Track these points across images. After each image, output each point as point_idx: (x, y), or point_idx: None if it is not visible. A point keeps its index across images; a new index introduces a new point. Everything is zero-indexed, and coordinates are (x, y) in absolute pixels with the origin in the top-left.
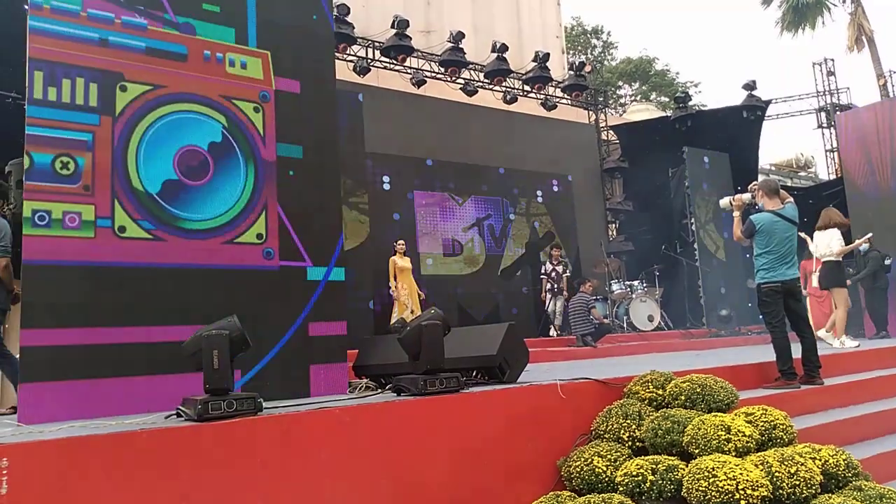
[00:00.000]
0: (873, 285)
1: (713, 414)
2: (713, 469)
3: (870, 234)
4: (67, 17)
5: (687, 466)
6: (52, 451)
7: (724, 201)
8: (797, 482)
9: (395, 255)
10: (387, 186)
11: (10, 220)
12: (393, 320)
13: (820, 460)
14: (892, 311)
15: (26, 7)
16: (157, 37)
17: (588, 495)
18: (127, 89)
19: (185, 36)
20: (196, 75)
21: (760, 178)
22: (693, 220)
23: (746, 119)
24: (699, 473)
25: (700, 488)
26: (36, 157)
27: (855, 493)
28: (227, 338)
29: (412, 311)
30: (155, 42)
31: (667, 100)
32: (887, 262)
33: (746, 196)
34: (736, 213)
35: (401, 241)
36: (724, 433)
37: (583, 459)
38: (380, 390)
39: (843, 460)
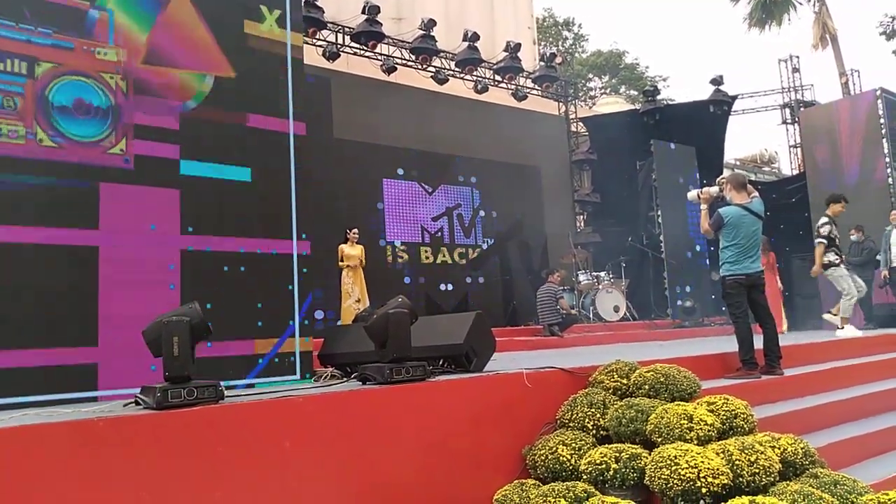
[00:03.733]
0: (861, 275)
1: (676, 403)
2: (675, 457)
3: None
4: (8, 27)
5: (650, 455)
6: (5, 439)
7: (692, 194)
8: (757, 470)
9: (345, 242)
10: (355, 174)
11: None
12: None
13: (779, 449)
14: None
15: None
16: (58, 37)
17: (552, 483)
18: (41, 65)
19: (73, 38)
20: (81, 59)
21: (726, 172)
22: (659, 213)
23: (713, 113)
24: (661, 461)
25: (662, 476)
26: None
27: (811, 479)
28: (187, 324)
29: (357, 300)
30: (57, 41)
31: (636, 93)
32: (879, 257)
33: (714, 189)
34: (704, 206)
35: (354, 230)
36: (686, 422)
37: (547, 448)
38: (345, 379)
39: (801, 448)
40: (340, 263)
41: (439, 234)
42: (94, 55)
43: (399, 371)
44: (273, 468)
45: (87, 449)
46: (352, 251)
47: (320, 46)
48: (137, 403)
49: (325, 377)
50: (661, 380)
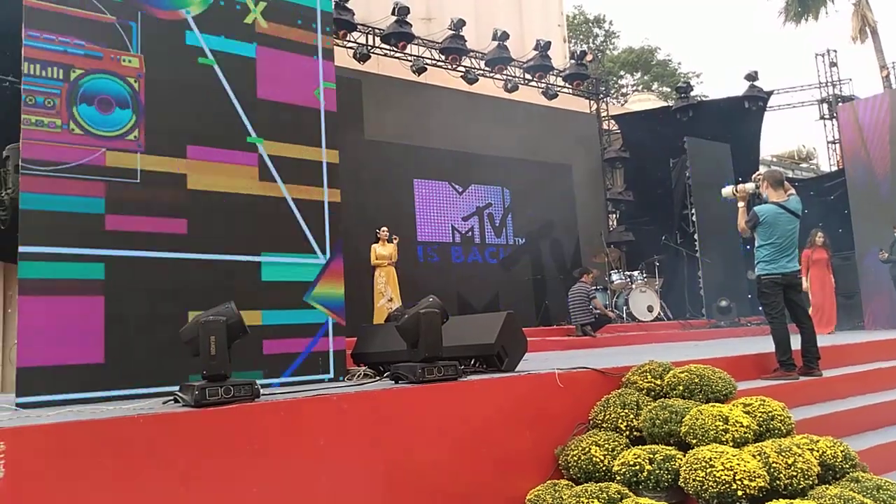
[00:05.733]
0: None
1: (711, 404)
2: (710, 459)
3: None
4: (48, 41)
5: (684, 456)
6: (49, 435)
7: (727, 190)
8: (794, 473)
9: (377, 242)
10: (386, 174)
11: (9, 206)
12: (377, 311)
13: (817, 451)
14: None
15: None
16: (89, 48)
17: (585, 484)
18: (75, 71)
19: (101, 47)
20: (108, 64)
21: (762, 168)
22: (694, 211)
23: (748, 110)
24: (696, 463)
25: (697, 478)
26: (36, 98)
27: (852, 484)
28: (224, 324)
29: (390, 300)
30: (88, 51)
31: (668, 90)
32: None
33: (750, 186)
34: (741, 204)
35: (384, 228)
36: (721, 423)
37: (580, 448)
38: (378, 378)
39: (841, 452)
40: (375, 261)
41: (470, 233)
42: (120, 62)
43: (431, 370)
44: (307, 465)
45: (128, 445)
46: (383, 251)
47: (351, 48)
48: (176, 401)
49: (359, 376)
50: (696, 381)
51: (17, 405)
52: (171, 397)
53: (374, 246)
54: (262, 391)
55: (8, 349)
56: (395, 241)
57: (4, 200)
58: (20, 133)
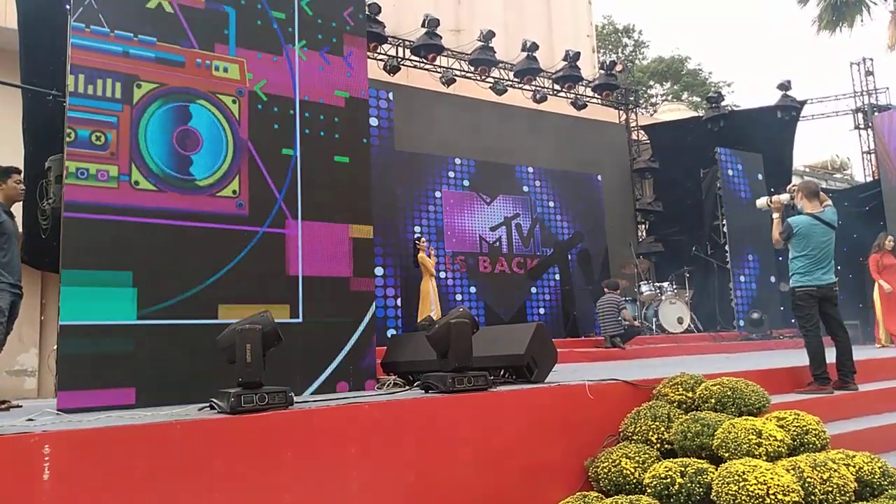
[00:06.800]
0: None
1: (744, 417)
2: (743, 473)
3: None
4: (101, 36)
5: (716, 470)
6: (91, 439)
7: (761, 201)
8: (830, 488)
9: (417, 251)
10: (416, 185)
11: (50, 215)
12: (422, 317)
13: (854, 467)
14: None
15: (68, 10)
16: (163, 49)
17: (615, 496)
18: (141, 86)
19: (183, 48)
20: (191, 76)
21: (795, 179)
22: (725, 222)
23: (781, 119)
24: (729, 477)
25: (730, 492)
26: (78, 132)
27: (891, 501)
28: (259, 332)
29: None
30: (161, 53)
31: (699, 100)
32: None
33: (785, 197)
34: (775, 215)
35: (423, 238)
36: (754, 437)
37: (610, 460)
38: (408, 387)
39: (879, 468)
40: (433, 270)
41: (497, 243)
42: (211, 71)
43: (461, 380)
44: (339, 473)
45: (165, 450)
46: (430, 260)
47: (381, 60)
48: (212, 408)
49: (389, 385)
50: (729, 393)
51: (59, 410)
52: (207, 404)
53: (423, 255)
54: (295, 399)
55: (45, 356)
56: (432, 252)
57: (45, 210)
58: (62, 144)
